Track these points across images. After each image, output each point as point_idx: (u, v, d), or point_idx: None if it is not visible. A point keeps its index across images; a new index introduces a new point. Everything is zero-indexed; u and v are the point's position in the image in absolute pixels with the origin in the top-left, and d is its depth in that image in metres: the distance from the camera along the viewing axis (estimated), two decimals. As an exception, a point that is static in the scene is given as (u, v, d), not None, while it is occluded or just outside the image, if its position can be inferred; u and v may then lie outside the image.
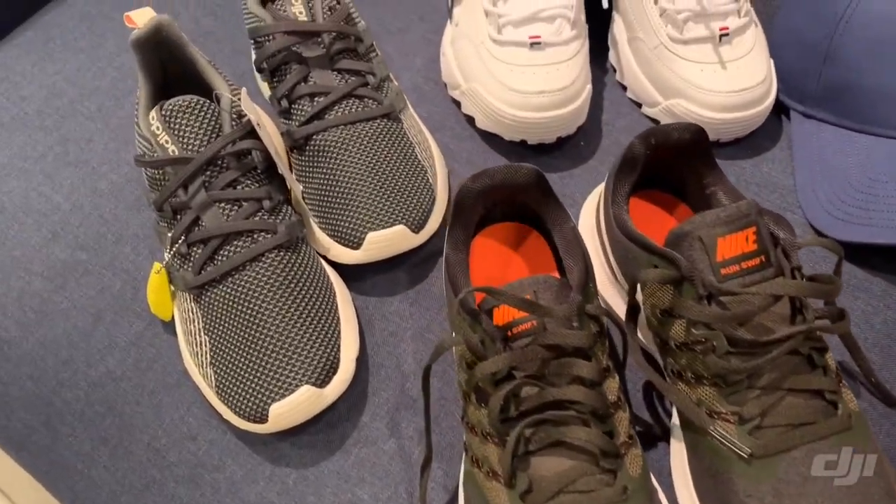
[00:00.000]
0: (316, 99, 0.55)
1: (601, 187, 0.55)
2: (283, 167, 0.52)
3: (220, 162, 0.50)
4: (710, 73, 0.56)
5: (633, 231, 0.43)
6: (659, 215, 0.52)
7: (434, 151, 0.59)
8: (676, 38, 0.57)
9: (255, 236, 0.49)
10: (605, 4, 0.60)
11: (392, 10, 0.73)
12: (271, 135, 0.56)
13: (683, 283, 0.40)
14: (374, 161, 0.54)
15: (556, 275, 0.50)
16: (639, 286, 0.43)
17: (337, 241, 0.54)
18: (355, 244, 0.53)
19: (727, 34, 0.56)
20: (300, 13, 0.56)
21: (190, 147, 0.49)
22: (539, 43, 0.56)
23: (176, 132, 0.49)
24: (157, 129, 0.49)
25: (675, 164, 0.48)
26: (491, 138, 0.61)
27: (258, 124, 0.51)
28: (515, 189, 0.46)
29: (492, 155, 0.61)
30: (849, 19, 0.54)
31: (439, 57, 0.67)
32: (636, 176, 0.47)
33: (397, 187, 0.53)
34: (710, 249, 0.39)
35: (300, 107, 0.55)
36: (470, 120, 0.62)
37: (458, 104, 0.64)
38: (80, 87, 0.71)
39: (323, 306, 0.50)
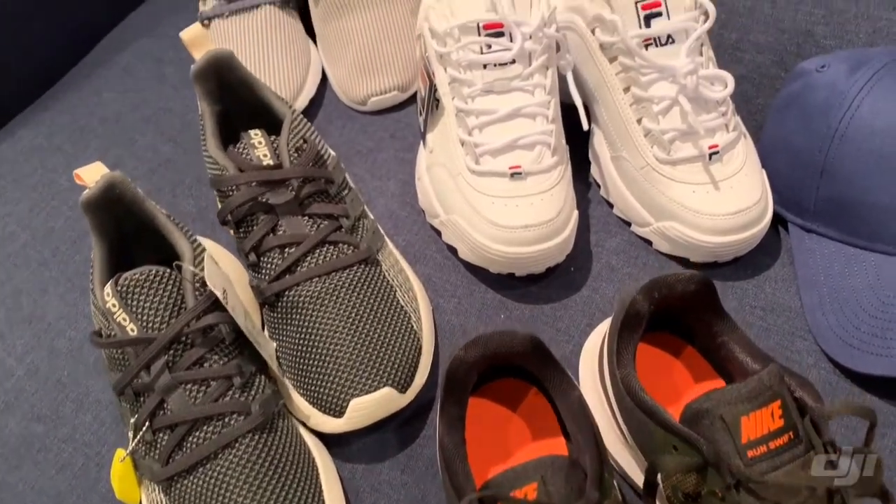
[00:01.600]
0: (287, 250, 0.51)
1: (601, 328, 0.52)
2: (253, 334, 0.48)
3: (183, 339, 0.45)
4: (703, 195, 0.53)
5: (648, 403, 0.40)
6: (666, 361, 0.48)
7: (417, 291, 0.55)
8: (664, 158, 0.54)
9: (227, 419, 0.45)
10: (584, 126, 0.57)
11: (361, 128, 0.70)
12: (239, 291, 0.52)
13: (708, 469, 0.36)
14: (353, 315, 0.50)
15: (560, 437, 0.45)
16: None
17: (317, 409, 0.49)
18: (337, 412, 0.48)
19: (717, 152, 0.54)
20: (265, 156, 0.53)
21: (150, 325, 0.45)
22: (520, 173, 0.53)
23: (134, 309, 0.45)
24: (114, 305, 0.45)
25: (680, 313, 0.44)
26: (476, 267, 0.58)
27: (224, 295, 0.46)
28: (512, 356, 0.42)
29: (478, 287, 0.58)
30: (843, 133, 0.51)
31: (414, 180, 0.64)
32: (640, 332, 0.43)
33: (380, 343, 0.49)
34: (733, 430, 0.36)
35: (270, 260, 0.51)
36: (452, 249, 0.59)
37: (438, 232, 0.60)
38: (33, 229, 0.66)
39: (306, 492, 0.45)
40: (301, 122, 0.55)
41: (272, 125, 0.56)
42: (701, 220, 0.53)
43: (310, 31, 0.74)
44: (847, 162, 0.51)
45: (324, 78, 0.74)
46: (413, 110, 0.71)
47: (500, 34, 0.55)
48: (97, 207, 0.49)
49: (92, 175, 0.50)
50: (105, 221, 0.50)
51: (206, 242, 0.59)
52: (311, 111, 0.71)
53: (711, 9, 0.54)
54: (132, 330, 0.45)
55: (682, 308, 0.43)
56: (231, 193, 0.51)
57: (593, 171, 0.62)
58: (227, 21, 0.70)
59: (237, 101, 0.58)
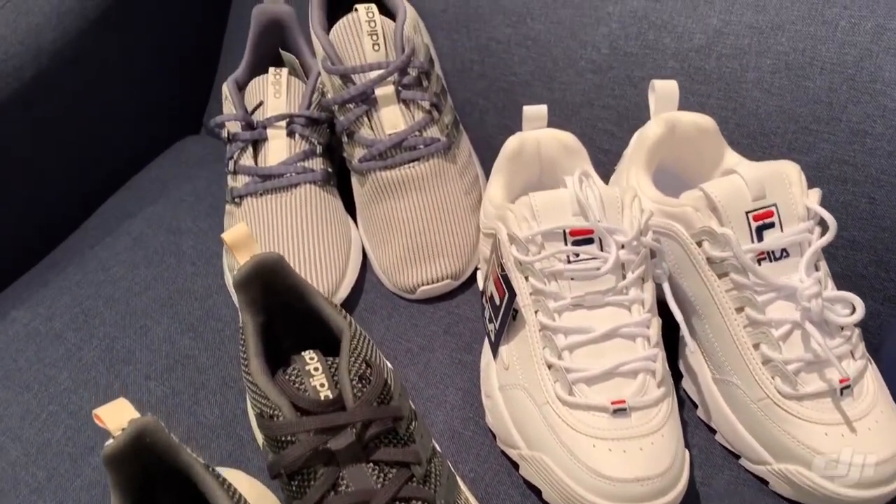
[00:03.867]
0: (350, 512, 0.42)
1: None
2: None
3: None
4: (838, 437, 0.45)
5: None
6: None
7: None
8: (789, 393, 0.47)
9: None
10: (690, 346, 0.49)
11: (410, 320, 0.62)
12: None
13: None
14: None
15: None
16: None
17: None
18: None
19: (848, 385, 0.46)
20: (322, 386, 0.45)
21: None
22: (624, 409, 0.45)
23: None
24: None
25: None
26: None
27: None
28: None
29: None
30: None
31: (477, 390, 0.55)
32: None
33: None
34: None
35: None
36: (533, 488, 0.50)
37: (514, 463, 0.51)
38: (26, 443, 0.56)
39: None
40: (362, 340, 0.47)
41: (325, 341, 0.48)
42: (839, 470, 0.45)
43: (349, 208, 0.68)
44: None
45: (364, 258, 0.66)
46: (468, 300, 0.63)
47: (590, 241, 0.49)
48: (122, 462, 0.40)
49: (115, 417, 0.40)
50: (130, 476, 0.40)
51: (234, 476, 0.49)
52: (351, 298, 0.63)
53: (830, 219, 0.48)
54: None
55: None
56: (286, 444, 0.42)
57: (686, 386, 0.55)
58: (260, 200, 0.63)
59: (285, 312, 0.50)
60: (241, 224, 0.48)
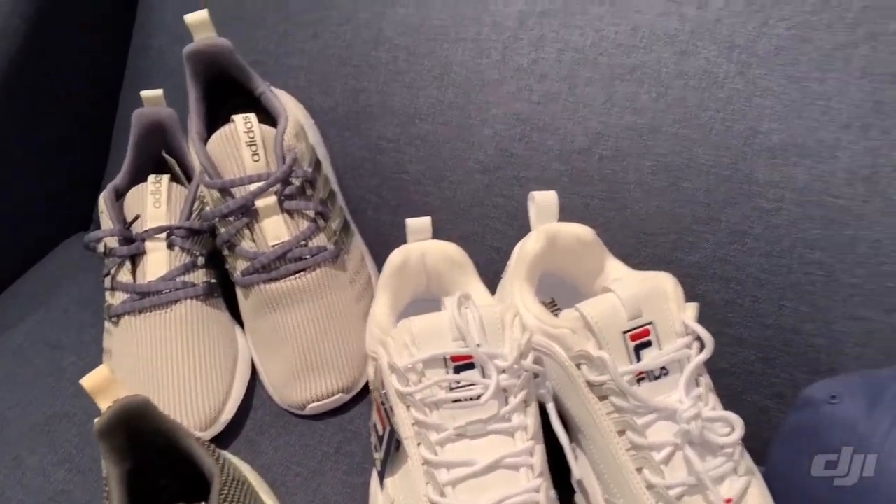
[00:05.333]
0: None
1: None
2: None
3: None
4: (725, 561, 0.45)
5: None
6: None
7: None
8: (674, 518, 0.46)
9: None
10: (575, 473, 0.49)
11: (300, 440, 0.59)
12: None
13: None
14: None
15: None
16: None
17: None
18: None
19: (731, 505, 0.46)
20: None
21: None
22: (507, 547, 0.44)
23: None
24: None
25: None
26: None
27: None
28: None
29: None
30: (871, 486, 0.44)
31: (368, 517, 0.53)
32: None
33: None
34: None
35: None
36: None
37: None
38: None
39: None
40: (234, 487, 0.45)
41: (197, 485, 0.46)
42: None
43: (238, 315, 0.65)
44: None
45: (255, 373, 0.64)
46: (361, 414, 0.61)
47: (471, 366, 0.48)
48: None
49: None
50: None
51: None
52: (239, 418, 0.61)
53: (706, 337, 0.48)
54: None
55: None
56: None
57: (578, 500, 0.54)
58: (139, 318, 0.60)
59: (153, 457, 0.47)
60: (101, 367, 0.46)
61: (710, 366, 0.56)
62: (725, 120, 0.58)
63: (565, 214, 0.60)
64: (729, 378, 0.60)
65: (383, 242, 0.68)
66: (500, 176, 0.65)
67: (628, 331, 0.48)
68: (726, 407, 0.52)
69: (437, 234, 0.65)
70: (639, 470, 0.47)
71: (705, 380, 0.49)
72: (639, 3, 0.61)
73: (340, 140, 0.71)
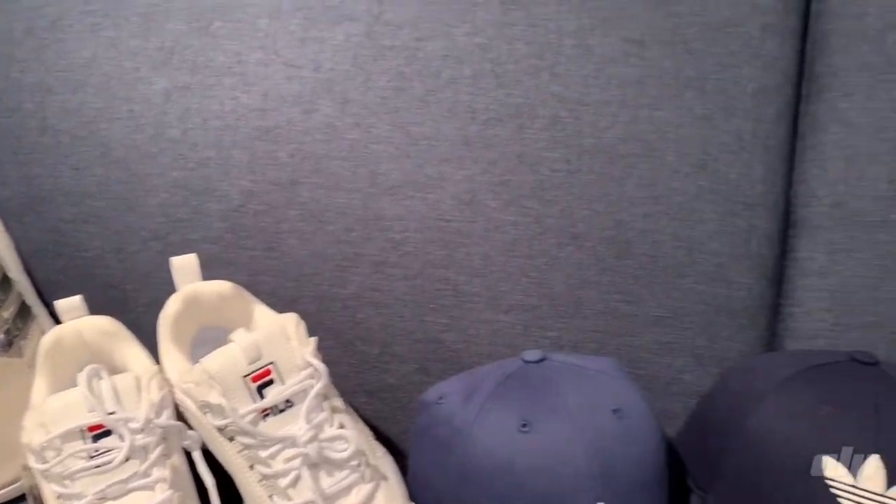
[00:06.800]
0: None
1: None
2: None
3: None
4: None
5: None
6: None
7: None
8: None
9: None
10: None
11: None
12: None
13: None
14: None
15: None
16: None
17: None
18: None
19: (362, 510, 0.52)
20: None
21: None
22: None
23: None
24: None
25: None
26: None
27: None
28: None
29: None
30: (465, 475, 0.52)
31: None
32: None
33: None
34: None
35: None
36: None
37: None
38: None
39: None
40: None
41: None
42: None
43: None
44: None
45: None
46: None
47: (108, 433, 0.51)
48: None
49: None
50: None
51: None
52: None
53: (320, 367, 0.54)
54: None
55: None
56: None
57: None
58: None
59: None
60: None
61: (379, 383, 0.63)
62: (350, 166, 0.66)
63: (233, 269, 0.66)
64: (395, 392, 0.67)
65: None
66: (170, 241, 0.69)
67: (248, 374, 0.53)
68: (393, 419, 0.59)
69: (124, 304, 0.69)
70: (270, 497, 0.52)
71: (331, 403, 0.55)
72: (265, 72, 0.67)
73: (21, 226, 0.73)
